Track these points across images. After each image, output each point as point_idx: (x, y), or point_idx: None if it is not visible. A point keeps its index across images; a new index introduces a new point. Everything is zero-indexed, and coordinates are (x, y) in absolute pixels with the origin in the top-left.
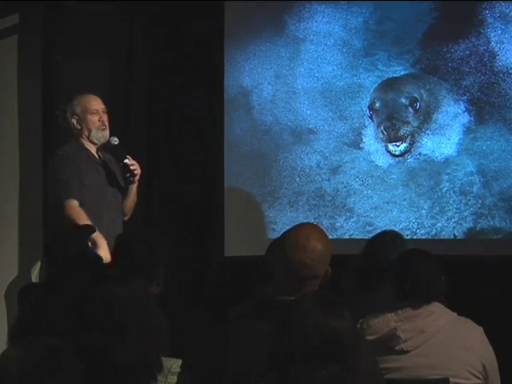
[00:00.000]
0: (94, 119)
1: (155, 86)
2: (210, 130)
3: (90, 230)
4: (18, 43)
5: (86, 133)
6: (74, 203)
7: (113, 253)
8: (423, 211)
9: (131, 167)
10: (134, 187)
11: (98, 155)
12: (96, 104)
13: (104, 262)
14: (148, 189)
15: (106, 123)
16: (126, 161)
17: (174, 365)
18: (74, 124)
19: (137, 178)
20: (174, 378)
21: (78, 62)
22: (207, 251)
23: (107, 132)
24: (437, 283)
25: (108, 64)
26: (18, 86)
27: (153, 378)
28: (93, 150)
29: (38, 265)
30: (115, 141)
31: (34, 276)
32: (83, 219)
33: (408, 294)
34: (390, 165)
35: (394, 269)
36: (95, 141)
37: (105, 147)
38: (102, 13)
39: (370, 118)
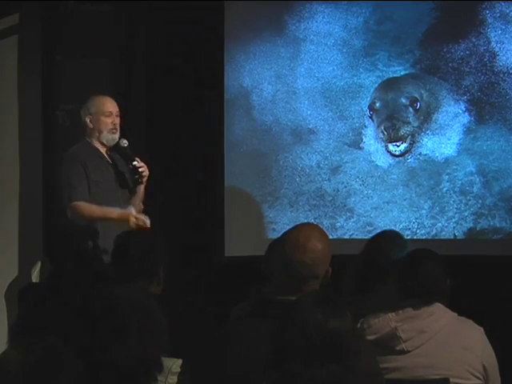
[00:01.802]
0: (107, 121)
1: (155, 85)
2: (210, 130)
3: (91, 230)
4: (18, 43)
5: (97, 133)
6: (81, 202)
7: (113, 252)
8: (423, 211)
9: (140, 169)
10: (141, 188)
11: (108, 155)
12: (111, 106)
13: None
14: (148, 188)
15: (118, 126)
16: (135, 163)
17: (174, 365)
18: (86, 123)
19: (145, 179)
20: (175, 378)
21: (78, 62)
22: (207, 251)
23: (117, 135)
24: (441, 286)
25: (108, 64)
26: (18, 86)
27: (152, 378)
28: (102, 150)
29: (39, 265)
30: (125, 143)
31: (34, 276)
32: (95, 211)
33: (412, 293)
34: (390, 165)
35: (401, 266)
36: (105, 142)
37: (114, 148)
38: (102, 13)
39: (370, 118)
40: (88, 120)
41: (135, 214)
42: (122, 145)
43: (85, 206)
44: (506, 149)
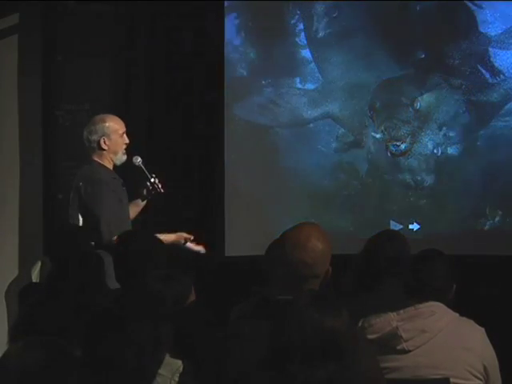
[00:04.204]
0: (122, 142)
1: (155, 85)
2: (211, 129)
3: (91, 230)
4: (18, 43)
5: (112, 154)
6: None
7: (115, 252)
8: (424, 211)
9: (159, 185)
10: (143, 203)
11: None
12: (123, 126)
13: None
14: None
15: None
16: (152, 180)
17: (181, 365)
18: (100, 144)
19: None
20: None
21: (77, 61)
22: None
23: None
24: (446, 287)
25: (108, 64)
26: (18, 85)
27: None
28: (111, 169)
29: (39, 265)
30: (139, 161)
31: (35, 276)
32: None
33: (415, 291)
34: (391, 164)
35: (410, 263)
36: (117, 163)
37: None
38: (102, 13)
39: (371, 117)
40: (102, 141)
41: (185, 235)
42: (136, 163)
43: None
44: (506, 148)
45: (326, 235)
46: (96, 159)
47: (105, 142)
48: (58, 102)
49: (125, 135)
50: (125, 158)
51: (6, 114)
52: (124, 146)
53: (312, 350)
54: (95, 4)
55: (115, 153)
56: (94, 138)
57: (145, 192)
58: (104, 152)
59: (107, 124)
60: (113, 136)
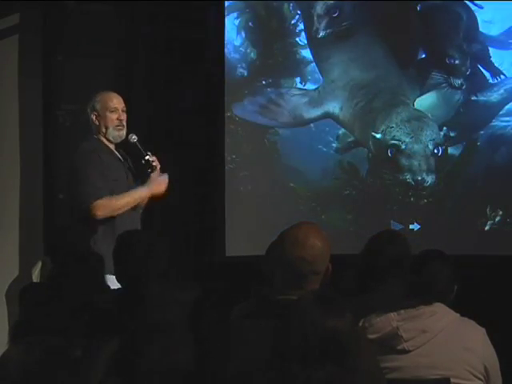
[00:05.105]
0: (113, 117)
1: (155, 85)
2: (211, 129)
3: (92, 229)
4: (18, 43)
5: (104, 130)
6: (104, 199)
7: (113, 253)
8: (424, 211)
9: (153, 163)
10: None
11: (117, 151)
12: (116, 102)
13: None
14: None
15: (124, 122)
16: (147, 157)
17: None
18: (92, 120)
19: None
20: None
21: (78, 61)
22: (208, 251)
23: (124, 132)
24: (446, 287)
25: (108, 64)
26: (18, 86)
27: None
28: (111, 147)
29: (39, 265)
30: (134, 138)
31: (35, 276)
32: (119, 203)
33: (416, 291)
34: (391, 164)
35: (411, 263)
36: (111, 139)
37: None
38: (102, 13)
39: (372, 116)
40: (94, 117)
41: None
42: (131, 140)
43: (109, 201)
44: (506, 148)
45: (324, 234)
46: (94, 136)
47: (96, 118)
48: (59, 102)
49: (120, 111)
50: (118, 134)
51: (7, 114)
52: (116, 122)
53: (314, 350)
54: (95, 4)
55: (106, 128)
56: (89, 115)
57: (135, 172)
58: (97, 128)
59: (97, 99)
60: (102, 111)
